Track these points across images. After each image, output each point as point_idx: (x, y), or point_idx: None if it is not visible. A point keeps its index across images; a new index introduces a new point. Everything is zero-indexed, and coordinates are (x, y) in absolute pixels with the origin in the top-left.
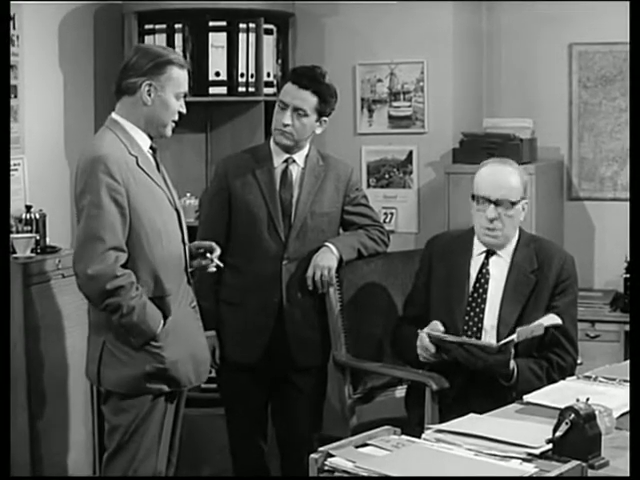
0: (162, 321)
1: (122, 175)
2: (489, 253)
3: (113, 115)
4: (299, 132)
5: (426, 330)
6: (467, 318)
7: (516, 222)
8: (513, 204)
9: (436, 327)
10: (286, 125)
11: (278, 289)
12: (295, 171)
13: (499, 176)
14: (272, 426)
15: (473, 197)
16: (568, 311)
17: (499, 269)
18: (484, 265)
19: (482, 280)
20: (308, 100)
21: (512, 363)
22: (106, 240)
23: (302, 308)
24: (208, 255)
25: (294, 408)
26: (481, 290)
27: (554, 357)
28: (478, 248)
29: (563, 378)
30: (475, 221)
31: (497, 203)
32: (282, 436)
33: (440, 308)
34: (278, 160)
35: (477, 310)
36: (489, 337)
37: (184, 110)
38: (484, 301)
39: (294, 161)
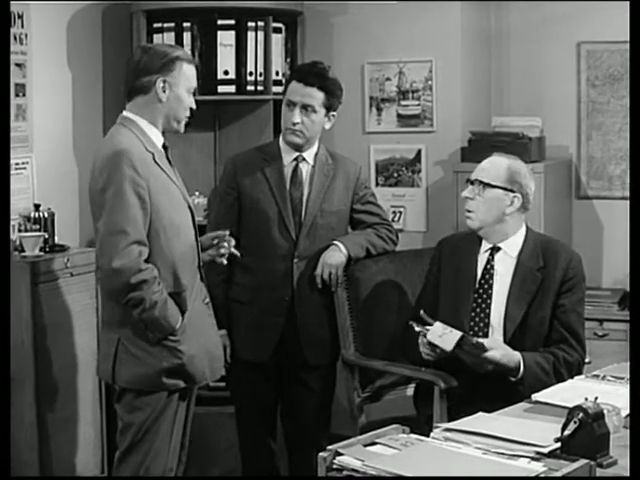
0: (180, 317)
1: (144, 170)
2: (494, 250)
3: (125, 113)
4: (309, 129)
5: (418, 328)
6: (473, 314)
7: (494, 209)
8: (485, 185)
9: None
10: (296, 123)
11: (289, 287)
12: (305, 169)
13: (489, 162)
14: (281, 424)
15: None
16: (575, 309)
17: (505, 266)
18: (489, 262)
19: (487, 276)
20: (315, 96)
21: (518, 357)
22: (130, 233)
23: (313, 306)
24: (225, 244)
25: (304, 406)
26: (486, 286)
27: (560, 352)
28: (484, 246)
29: (570, 374)
30: None
31: (472, 183)
32: (291, 434)
33: (447, 306)
34: (288, 158)
35: (483, 306)
36: (496, 334)
37: (194, 106)
38: (490, 297)
39: (304, 159)
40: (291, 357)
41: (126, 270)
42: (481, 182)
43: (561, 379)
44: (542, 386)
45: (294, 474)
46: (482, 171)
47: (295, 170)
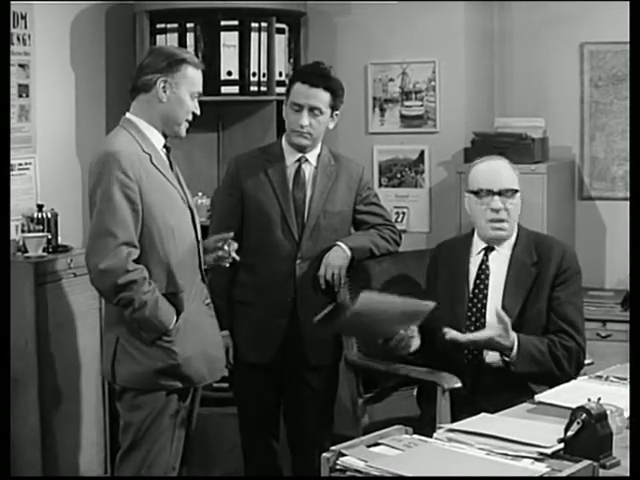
0: (175, 316)
1: (135, 171)
2: (488, 250)
3: (127, 115)
4: (317, 130)
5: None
6: (470, 314)
7: (517, 214)
8: (515, 192)
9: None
10: (304, 126)
11: (292, 288)
12: (308, 170)
13: (496, 168)
14: (284, 425)
15: (474, 193)
16: (570, 301)
17: (499, 264)
18: (483, 262)
19: (482, 276)
20: (321, 98)
21: (513, 335)
22: (118, 235)
23: (315, 307)
24: (225, 248)
25: (306, 407)
26: (482, 286)
27: (556, 338)
28: (477, 246)
29: (570, 360)
30: (478, 217)
31: (500, 193)
32: (294, 434)
33: (444, 309)
34: (290, 159)
35: (479, 306)
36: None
37: (198, 111)
38: (485, 297)
39: (307, 160)
40: (294, 358)
41: (113, 271)
42: (513, 190)
43: (559, 363)
44: (536, 366)
45: (297, 474)
46: (507, 180)
47: (298, 171)
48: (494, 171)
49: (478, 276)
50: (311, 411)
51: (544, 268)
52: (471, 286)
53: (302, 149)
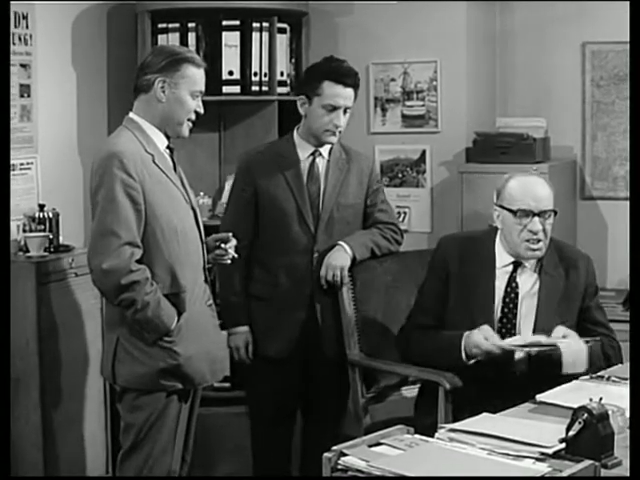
0: (176, 317)
1: (137, 171)
2: (516, 265)
3: (130, 114)
4: (344, 127)
5: (500, 342)
6: (499, 335)
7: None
8: (554, 213)
9: (489, 333)
10: (339, 126)
11: (308, 282)
12: (321, 164)
13: (537, 187)
14: (302, 420)
15: (511, 211)
16: (598, 306)
17: (525, 278)
18: (512, 278)
19: (512, 295)
20: (352, 97)
21: (584, 348)
22: (121, 235)
23: (332, 301)
24: (222, 245)
25: (325, 401)
26: (511, 305)
27: (605, 339)
28: (503, 260)
29: (617, 358)
30: (512, 234)
31: (540, 214)
32: (311, 428)
33: (461, 317)
34: (304, 154)
35: (509, 326)
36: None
37: (201, 110)
38: (515, 317)
39: (320, 154)
40: (313, 352)
41: (116, 271)
42: (553, 211)
43: (609, 361)
44: (591, 366)
45: (308, 471)
46: (548, 200)
47: (312, 165)
48: (533, 190)
49: (507, 294)
50: (330, 405)
51: (572, 282)
52: (499, 303)
53: (323, 145)
